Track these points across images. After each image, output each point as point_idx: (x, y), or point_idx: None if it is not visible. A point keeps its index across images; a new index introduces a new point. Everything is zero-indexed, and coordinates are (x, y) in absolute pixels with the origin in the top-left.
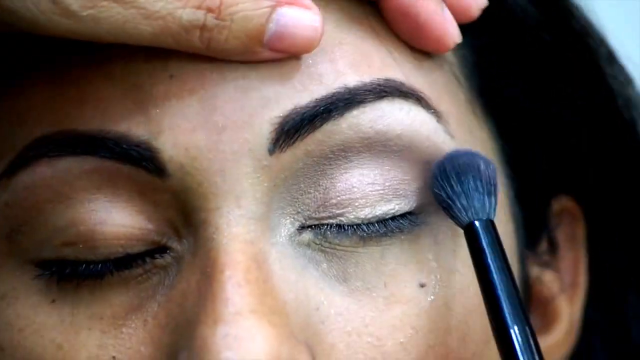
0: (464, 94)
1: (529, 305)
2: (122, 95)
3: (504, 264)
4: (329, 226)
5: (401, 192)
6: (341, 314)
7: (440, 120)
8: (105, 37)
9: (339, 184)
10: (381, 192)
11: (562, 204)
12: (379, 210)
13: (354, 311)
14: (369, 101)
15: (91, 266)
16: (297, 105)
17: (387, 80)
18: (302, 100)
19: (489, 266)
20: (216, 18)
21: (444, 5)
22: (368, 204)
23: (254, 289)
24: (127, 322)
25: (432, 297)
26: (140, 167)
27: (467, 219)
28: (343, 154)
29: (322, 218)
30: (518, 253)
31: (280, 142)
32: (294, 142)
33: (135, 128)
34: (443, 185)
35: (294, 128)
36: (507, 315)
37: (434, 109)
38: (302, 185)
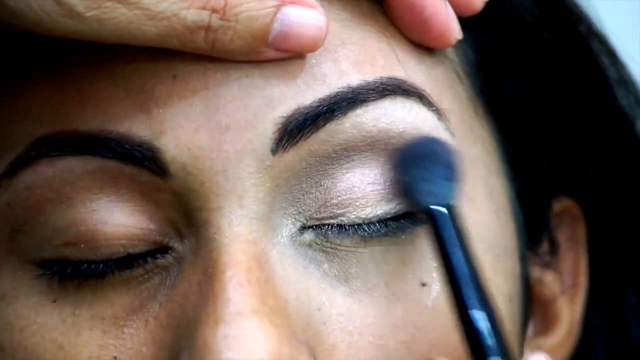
0: (465, 91)
1: (530, 306)
2: (124, 95)
3: (462, 249)
4: (330, 226)
5: None
6: (343, 314)
7: (441, 118)
8: (109, 38)
9: (340, 184)
10: (382, 191)
11: (562, 204)
12: (380, 210)
13: (355, 311)
14: (372, 100)
15: (92, 266)
16: (301, 105)
17: (389, 78)
18: (306, 100)
19: (446, 251)
20: (221, 19)
21: (447, 0)
22: (369, 204)
23: (256, 289)
24: (128, 322)
25: (433, 295)
26: (142, 167)
27: (426, 204)
28: (346, 153)
29: (323, 218)
30: (519, 253)
31: (284, 142)
32: (297, 142)
33: (137, 128)
34: (402, 172)
35: (297, 128)
36: (466, 298)
37: (435, 107)
38: (304, 185)
